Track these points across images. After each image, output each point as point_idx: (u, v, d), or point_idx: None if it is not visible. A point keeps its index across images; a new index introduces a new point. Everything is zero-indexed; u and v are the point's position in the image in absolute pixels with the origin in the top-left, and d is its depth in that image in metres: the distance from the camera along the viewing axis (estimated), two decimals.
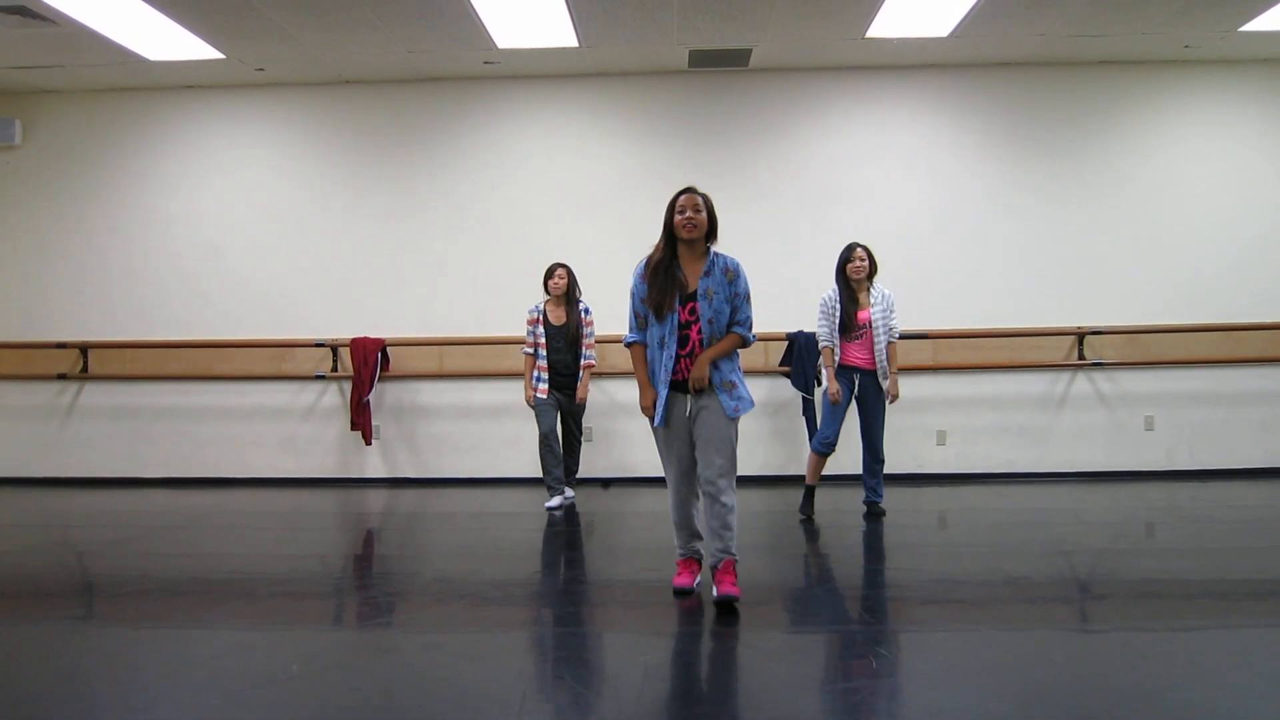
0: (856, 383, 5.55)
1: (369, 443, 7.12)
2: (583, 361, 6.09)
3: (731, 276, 3.98)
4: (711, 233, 4.01)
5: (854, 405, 5.65)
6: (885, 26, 6.21)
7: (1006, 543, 5.01)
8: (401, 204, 7.24)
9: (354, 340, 7.05)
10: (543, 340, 6.05)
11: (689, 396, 3.93)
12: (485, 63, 6.81)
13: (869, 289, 5.54)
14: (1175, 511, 5.89)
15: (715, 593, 3.86)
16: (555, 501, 6.07)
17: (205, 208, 7.31)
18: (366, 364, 6.98)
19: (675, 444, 3.98)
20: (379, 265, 7.24)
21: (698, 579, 4.10)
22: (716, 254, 4.02)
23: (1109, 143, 7.08)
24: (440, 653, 3.42)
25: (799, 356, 6.69)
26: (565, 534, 5.58)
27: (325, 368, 7.20)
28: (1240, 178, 7.06)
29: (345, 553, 5.41)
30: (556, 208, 7.17)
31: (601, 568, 4.81)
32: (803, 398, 6.77)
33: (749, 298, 4.03)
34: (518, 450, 7.09)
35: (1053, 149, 7.07)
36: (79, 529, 5.90)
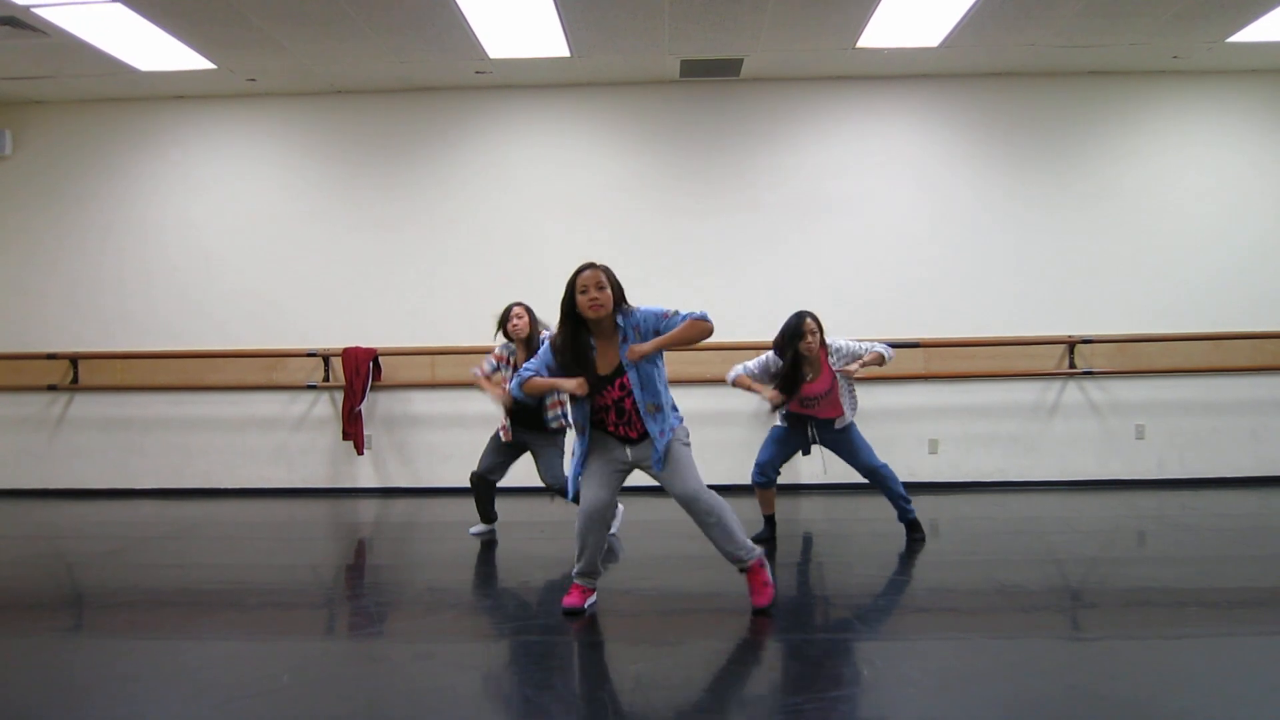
0: (813, 432, 5.16)
1: (361, 452, 7.10)
2: (553, 425, 5.39)
3: (642, 331, 3.76)
4: (618, 302, 3.76)
5: (824, 451, 5.29)
6: (876, 37, 6.25)
7: (998, 551, 5.02)
8: (393, 213, 7.24)
9: (345, 350, 7.04)
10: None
11: (626, 447, 3.86)
12: (477, 72, 6.83)
13: (822, 354, 5.06)
14: (1166, 520, 5.91)
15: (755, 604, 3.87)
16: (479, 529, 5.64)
17: (197, 218, 7.30)
18: (358, 374, 6.97)
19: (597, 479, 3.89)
20: (371, 275, 7.23)
21: (588, 601, 3.98)
22: (622, 321, 3.77)
23: (1098, 152, 7.12)
24: (431, 662, 3.40)
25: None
26: (558, 544, 5.57)
27: (317, 377, 7.19)
28: (1228, 188, 7.09)
29: (336, 563, 5.39)
30: (548, 217, 7.17)
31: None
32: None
33: (663, 312, 3.78)
34: None
35: (1043, 159, 7.11)
36: (69, 540, 5.87)
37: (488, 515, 5.62)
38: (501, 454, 5.47)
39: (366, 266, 7.24)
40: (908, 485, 6.89)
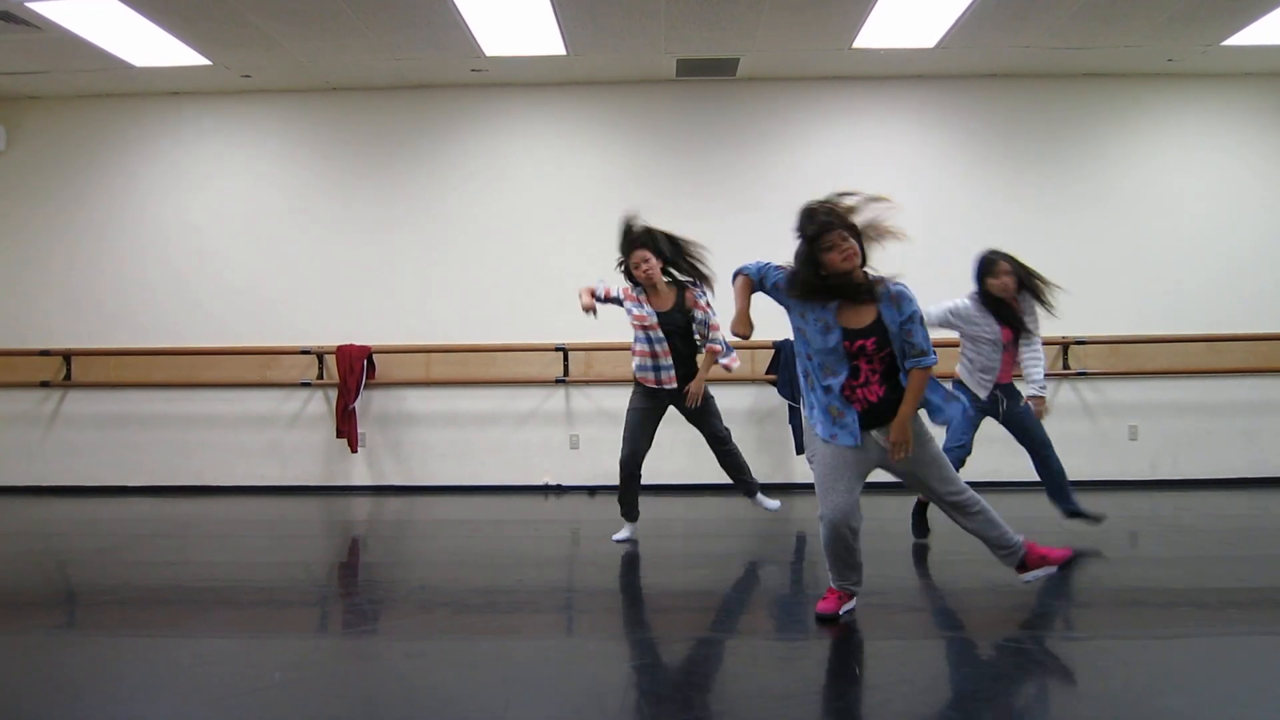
0: (1001, 401, 4.99)
1: (354, 450, 7.09)
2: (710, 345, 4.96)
3: (897, 310, 3.59)
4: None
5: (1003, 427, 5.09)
6: (872, 37, 6.25)
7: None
8: (388, 211, 7.23)
9: (340, 347, 7.02)
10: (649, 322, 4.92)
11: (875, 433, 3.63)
12: (473, 70, 6.82)
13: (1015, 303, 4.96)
14: (1159, 521, 5.92)
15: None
16: (624, 534, 5.18)
17: (191, 214, 7.28)
18: (352, 371, 6.96)
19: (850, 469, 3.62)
20: (366, 272, 7.22)
21: (845, 607, 3.74)
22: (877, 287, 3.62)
23: (1093, 154, 7.13)
24: (424, 660, 3.40)
25: (785, 364, 6.70)
26: (552, 542, 5.57)
27: (311, 375, 7.18)
28: (1223, 190, 7.11)
29: (330, 560, 5.38)
30: (544, 215, 7.17)
31: (587, 575, 4.80)
32: (789, 406, 6.79)
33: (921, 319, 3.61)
34: (504, 458, 7.10)
35: (1038, 160, 7.12)
36: (62, 538, 5.86)
37: (633, 510, 5.13)
38: (648, 419, 4.97)
39: (362, 264, 7.22)
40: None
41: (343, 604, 4.34)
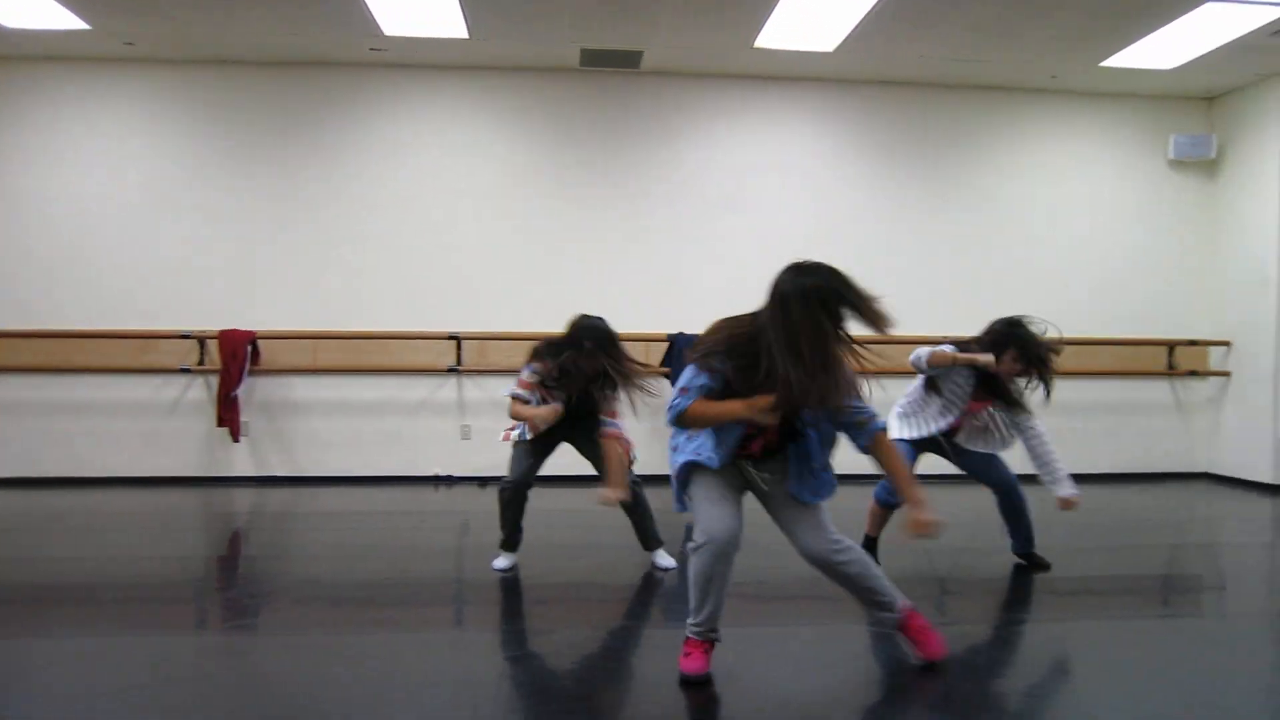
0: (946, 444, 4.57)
1: (237, 439, 6.84)
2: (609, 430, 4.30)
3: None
4: None
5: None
6: (773, 38, 6.34)
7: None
8: (277, 191, 6.99)
9: (223, 332, 6.76)
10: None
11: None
12: (371, 49, 6.65)
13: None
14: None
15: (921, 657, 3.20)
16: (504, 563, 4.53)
17: (63, 188, 6.87)
18: (235, 357, 6.71)
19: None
20: (251, 254, 6.97)
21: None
22: None
23: (981, 163, 7.41)
24: (298, 655, 3.31)
25: (678, 358, 6.75)
26: (439, 533, 5.49)
27: (191, 361, 6.89)
28: (1100, 204, 7.50)
29: (207, 554, 5.18)
30: (441, 201, 7.04)
31: (473, 567, 4.74)
32: None
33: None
34: (394, 448, 6.97)
35: (929, 167, 7.35)
36: None
37: (515, 539, 4.49)
38: (535, 453, 4.45)
39: (247, 246, 6.96)
40: None
41: (219, 599, 4.18)
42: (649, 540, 4.59)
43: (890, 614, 3.18)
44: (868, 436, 3.10)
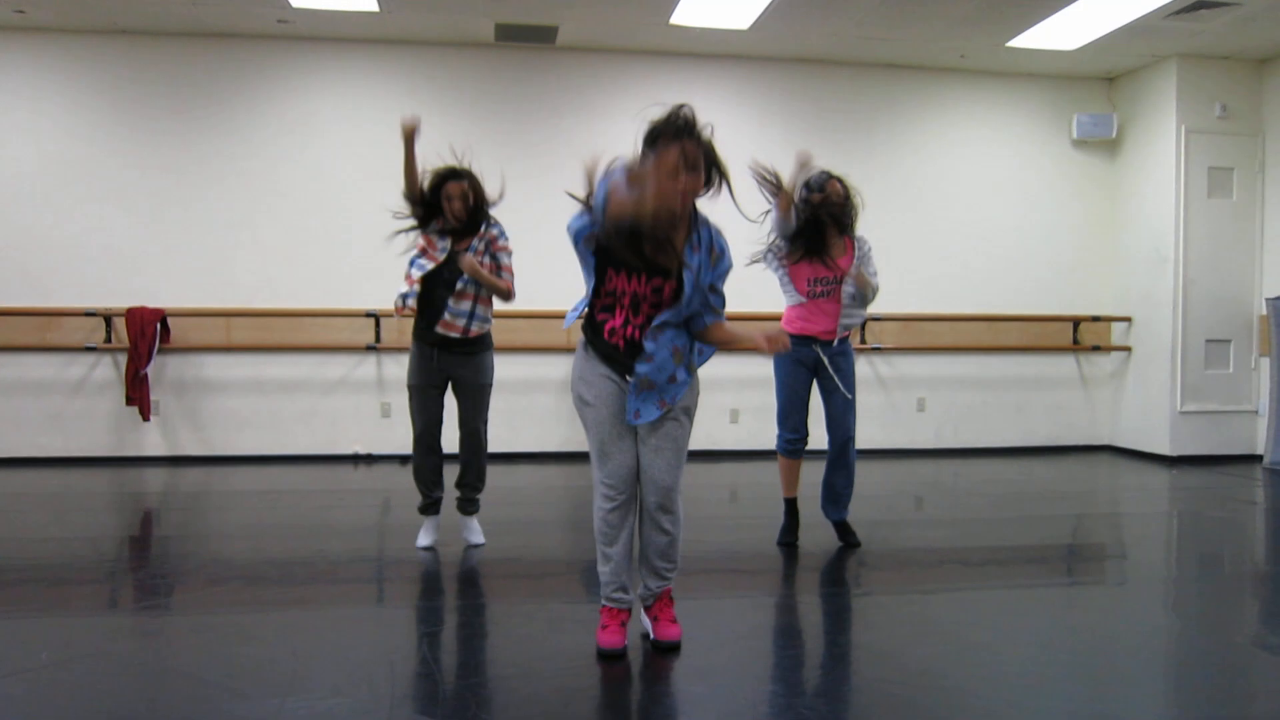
0: (821, 355, 4.35)
1: (147, 419, 6.67)
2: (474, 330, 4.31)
3: (705, 249, 3.14)
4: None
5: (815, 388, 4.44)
6: (689, 14, 6.37)
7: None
8: (185, 165, 6.79)
9: (130, 310, 6.57)
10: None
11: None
12: (279, 21, 6.49)
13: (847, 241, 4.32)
14: (939, 486, 6.40)
15: (654, 635, 3.14)
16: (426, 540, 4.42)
17: None
18: (144, 335, 6.53)
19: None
20: (159, 230, 6.77)
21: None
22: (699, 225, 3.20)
23: (894, 141, 7.57)
24: (209, 635, 3.28)
25: None
26: (358, 511, 5.46)
27: (97, 339, 6.68)
28: (1005, 182, 7.72)
29: (116, 535, 5.06)
30: (354, 176, 6.91)
31: (391, 545, 4.73)
32: None
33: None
34: (312, 427, 6.89)
35: (841, 144, 7.42)
36: None
37: (434, 500, 4.36)
38: (431, 395, 4.25)
39: (154, 221, 6.76)
40: (710, 454, 7.17)
41: (130, 579, 4.10)
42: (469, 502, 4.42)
43: (663, 582, 3.15)
44: (711, 320, 3.12)
